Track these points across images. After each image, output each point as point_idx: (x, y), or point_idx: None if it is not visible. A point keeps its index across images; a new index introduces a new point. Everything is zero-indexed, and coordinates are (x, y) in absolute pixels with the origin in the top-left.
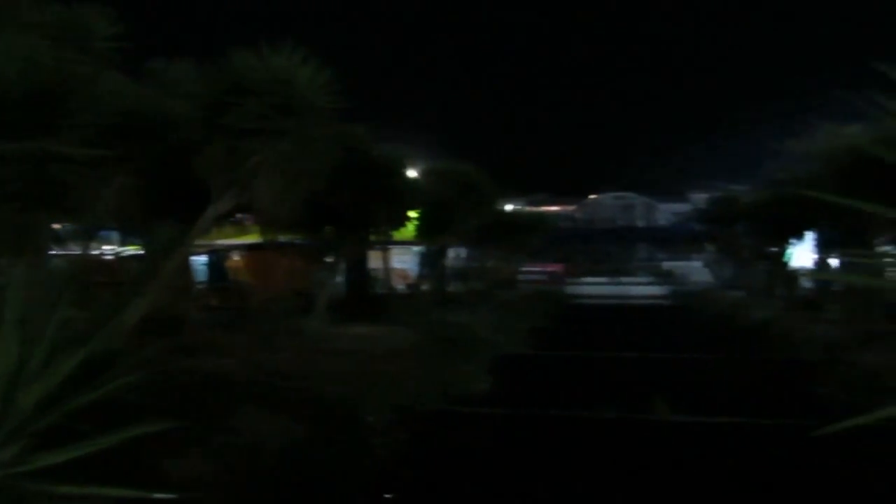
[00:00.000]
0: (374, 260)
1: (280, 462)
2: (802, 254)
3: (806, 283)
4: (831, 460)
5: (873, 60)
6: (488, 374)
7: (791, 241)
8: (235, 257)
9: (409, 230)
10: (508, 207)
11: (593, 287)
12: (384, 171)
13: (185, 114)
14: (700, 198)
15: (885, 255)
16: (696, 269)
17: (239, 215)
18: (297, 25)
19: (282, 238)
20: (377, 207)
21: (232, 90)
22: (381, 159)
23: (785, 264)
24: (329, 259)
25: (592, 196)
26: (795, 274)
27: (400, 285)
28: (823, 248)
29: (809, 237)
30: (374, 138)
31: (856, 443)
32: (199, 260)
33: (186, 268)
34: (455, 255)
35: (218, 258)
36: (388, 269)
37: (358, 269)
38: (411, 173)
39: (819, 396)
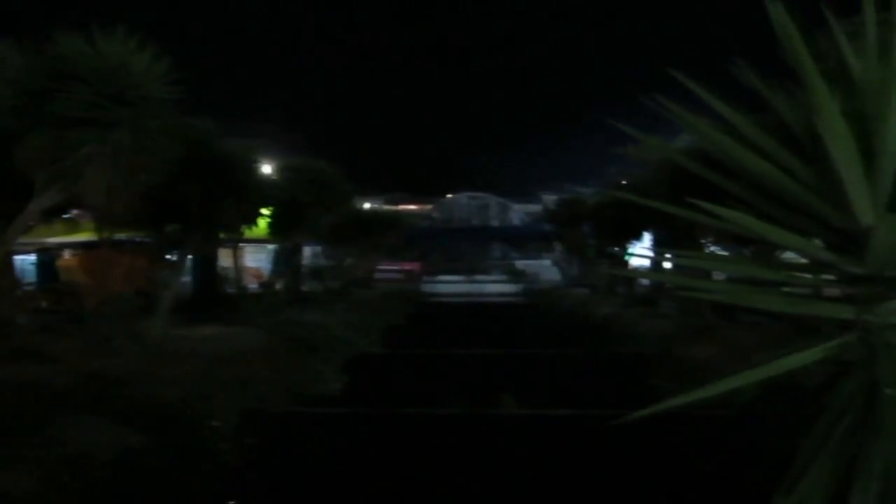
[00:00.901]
0: (226, 258)
1: (113, 473)
2: (641, 253)
3: (644, 281)
4: (665, 444)
5: (674, 65)
6: (342, 373)
7: (630, 241)
8: (67, 256)
9: (262, 228)
10: (365, 206)
11: (449, 285)
12: (231, 167)
13: (5, 100)
14: (550, 199)
15: (710, 255)
16: (546, 268)
17: (74, 211)
18: (131, 9)
19: (121, 236)
20: (225, 204)
21: (58, 76)
22: (228, 154)
23: (625, 263)
24: (173, 257)
25: (449, 196)
26: (634, 272)
27: (253, 284)
28: (658, 248)
29: (647, 238)
30: (220, 133)
31: (684, 427)
32: (27, 259)
33: (9, 267)
34: (311, 253)
35: (48, 257)
36: (239, 268)
37: (207, 267)
38: (264, 170)
39: (653, 387)
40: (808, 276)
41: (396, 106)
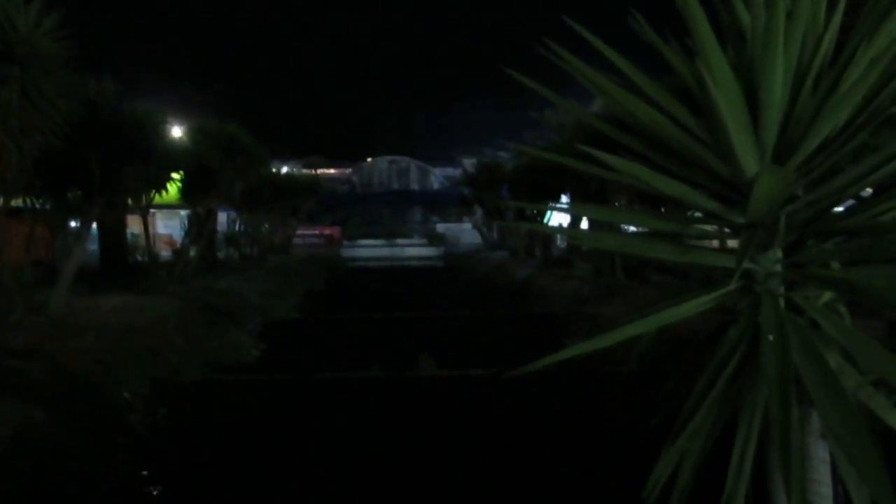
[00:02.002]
0: (135, 226)
1: (13, 449)
2: (559, 216)
3: (560, 244)
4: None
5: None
6: (259, 341)
7: (547, 204)
8: None
9: (172, 194)
10: (282, 170)
11: (368, 250)
12: (136, 129)
13: None
14: (470, 163)
15: (610, 209)
16: (465, 232)
17: None
18: None
19: (18, 203)
20: (129, 169)
21: None
22: (131, 116)
23: (543, 226)
24: (76, 225)
25: (368, 160)
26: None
27: (165, 252)
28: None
29: (563, 200)
30: (124, 94)
31: (593, 384)
32: None
33: None
34: (227, 219)
35: None
36: (149, 235)
37: (114, 235)
38: (173, 133)
39: (565, 345)
40: (700, 227)
41: (313, 66)
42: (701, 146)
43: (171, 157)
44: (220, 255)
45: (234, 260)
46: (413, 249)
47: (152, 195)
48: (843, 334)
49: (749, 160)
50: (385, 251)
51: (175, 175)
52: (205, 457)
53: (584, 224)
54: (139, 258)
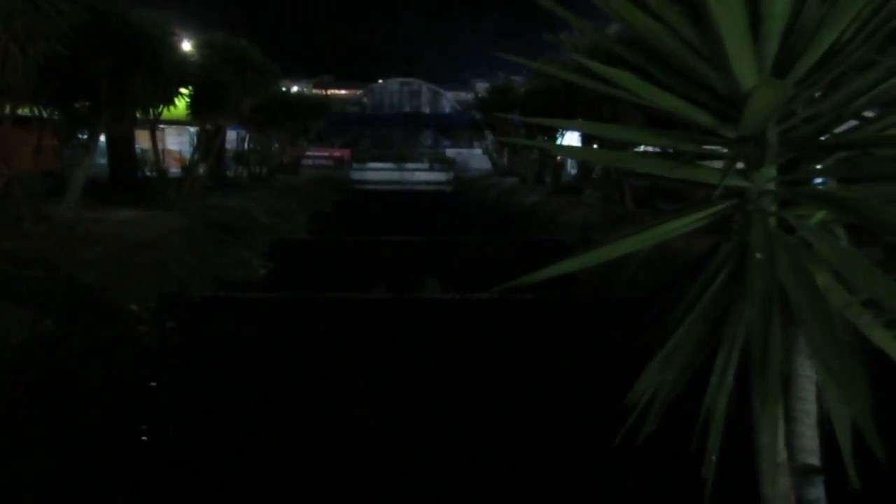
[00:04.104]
0: (144, 140)
1: (22, 357)
2: (571, 141)
3: (571, 171)
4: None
5: None
6: (266, 259)
7: (559, 130)
8: None
9: (181, 109)
10: (293, 89)
11: (378, 173)
12: (144, 39)
13: None
14: (482, 87)
15: (606, 126)
16: (476, 157)
17: None
18: None
19: (25, 112)
20: (138, 80)
21: None
22: (140, 26)
23: (541, 143)
24: (84, 137)
25: (380, 81)
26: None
27: (174, 168)
28: (586, 136)
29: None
30: (132, 2)
31: (596, 311)
32: None
33: None
34: (237, 137)
35: None
36: (158, 150)
37: (123, 149)
38: (182, 46)
39: (570, 273)
40: (694, 143)
41: None
42: (699, 59)
43: (180, 70)
44: (230, 173)
45: (242, 178)
46: (423, 174)
47: (160, 109)
48: (835, 253)
49: (746, 73)
50: (394, 174)
51: (184, 90)
52: (209, 370)
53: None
54: (148, 173)
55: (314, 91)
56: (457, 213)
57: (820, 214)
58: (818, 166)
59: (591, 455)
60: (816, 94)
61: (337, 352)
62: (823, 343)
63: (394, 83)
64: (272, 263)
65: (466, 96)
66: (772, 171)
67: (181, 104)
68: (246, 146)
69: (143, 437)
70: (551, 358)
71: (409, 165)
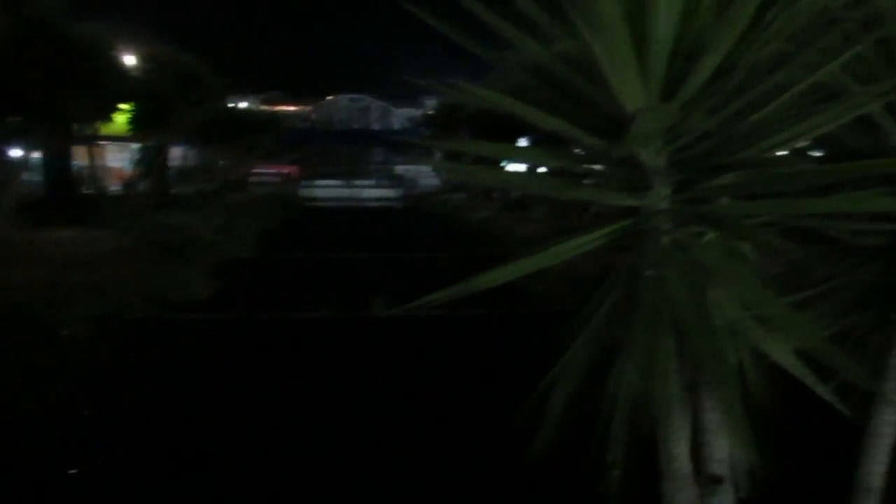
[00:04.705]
0: (84, 157)
1: None
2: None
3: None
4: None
5: None
6: (211, 279)
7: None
8: None
9: (121, 124)
10: (241, 105)
11: (327, 189)
12: (81, 52)
13: None
14: (432, 103)
15: (505, 146)
16: (425, 173)
17: None
18: None
19: None
20: (72, 94)
21: None
22: (77, 38)
23: (501, 168)
24: (16, 153)
25: (329, 97)
26: None
27: (115, 186)
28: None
29: (523, 140)
30: (70, 14)
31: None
32: None
33: None
34: (183, 154)
35: None
36: (97, 167)
37: (59, 165)
38: (124, 60)
39: (518, 287)
40: (586, 163)
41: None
42: (590, 84)
43: (119, 84)
44: (174, 191)
45: (187, 196)
46: (372, 190)
47: (99, 124)
48: (720, 270)
49: (631, 97)
50: (344, 191)
51: (124, 105)
52: (150, 396)
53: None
54: (86, 191)
55: (263, 107)
56: (406, 229)
57: (712, 232)
58: (710, 184)
59: (496, 473)
60: (710, 115)
61: (277, 373)
62: (708, 358)
63: (343, 99)
64: (217, 283)
65: (415, 113)
66: (665, 190)
67: (122, 119)
68: (191, 163)
69: (68, 472)
70: (477, 373)
71: (359, 182)
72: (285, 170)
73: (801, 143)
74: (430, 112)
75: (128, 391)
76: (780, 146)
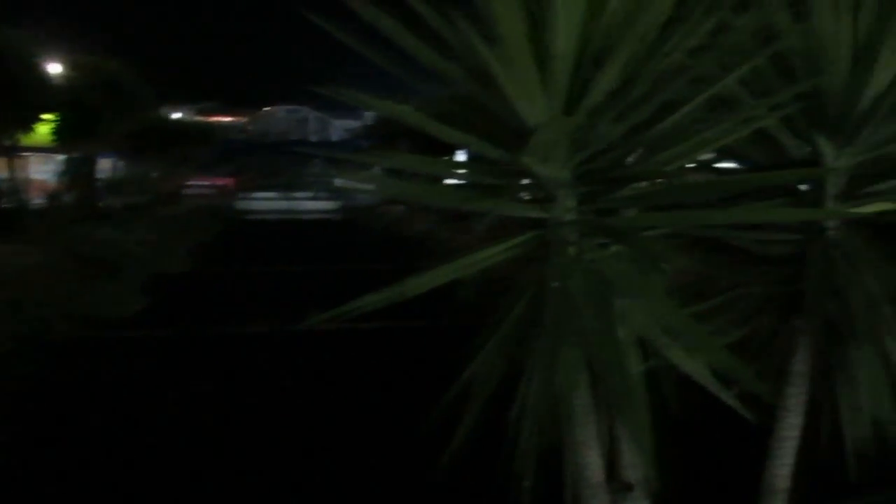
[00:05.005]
0: (5, 169)
1: None
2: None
3: None
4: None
5: None
6: (141, 294)
7: (444, 157)
8: None
9: (43, 134)
10: (175, 115)
11: (264, 202)
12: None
13: None
14: (370, 115)
15: (409, 157)
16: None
17: None
18: None
19: None
20: None
21: None
22: None
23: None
24: None
25: (266, 108)
26: None
27: (39, 199)
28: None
29: (460, 154)
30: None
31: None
32: None
33: None
34: (113, 166)
35: None
36: (18, 180)
37: None
38: (51, 68)
39: (458, 298)
40: (492, 176)
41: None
42: (496, 98)
43: (42, 94)
44: (102, 203)
45: (116, 209)
46: (311, 203)
47: (19, 135)
48: (626, 281)
49: (533, 111)
50: (281, 204)
51: (47, 115)
52: (75, 418)
53: None
54: (5, 204)
55: (198, 118)
56: (345, 241)
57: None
58: (615, 196)
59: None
60: (613, 127)
61: (207, 390)
62: (611, 369)
63: (280, 110)
64: (148, 298)
65: (354, 124)
66: (571, 202)
67: (44, 130)
68: (120, 175)
69: None
70: (397, 385)
71: (297, 194)
72: (221, 182)
73: (704, 155)
74: (370, 123)
75: (43, 414)
76: (682, 158)
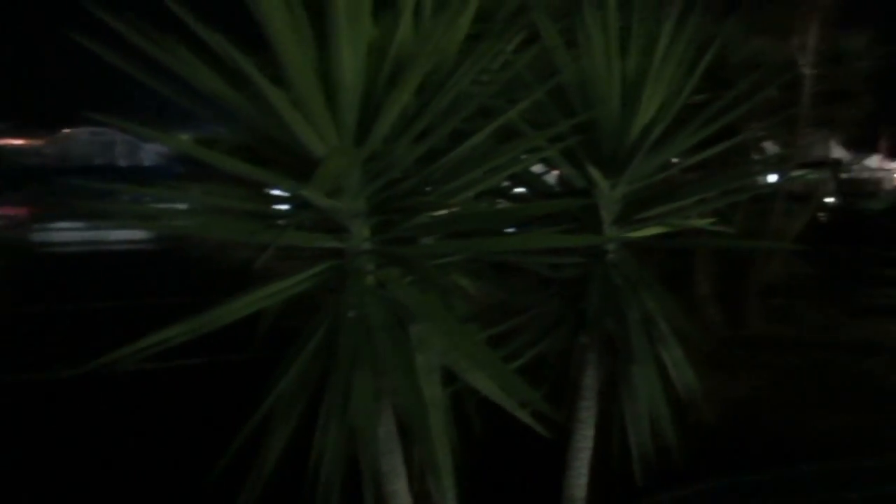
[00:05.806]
0: None
1: None
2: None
3: None
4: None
5: None
6: None
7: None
8: None
9: None
10: None
11: (66, 233)
12: None
13: None
14: (187, 138)
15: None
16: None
17: None
18: None
19: None
20: None
21: None
22: None
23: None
24: None
25: (66, 131)
26: None
27: None
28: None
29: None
30: None
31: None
32: None
33: None
34: None
35: None
36: None
37: None
38: None
39: (291, 329)
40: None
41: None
42: (278, 126)
43: None
44: None
45: None
46: (121, 232)
47: None
48: (421, 309)
49: (320, 142)
50: (87, 234)
51: None
52: None
53: None
54: None
55: None
56: (162, 272)
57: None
58: (408, 225)
59: None
60: (404, 157)
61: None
62: (407, 396)
63: (83, 133)
64: None
65: (167, 148)
66: (365, 231)
67: None
68: None
69: None
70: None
71: (105, 224)
72: (11, 212)
73: (493, 184)
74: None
75: None
76: (473, 186)
